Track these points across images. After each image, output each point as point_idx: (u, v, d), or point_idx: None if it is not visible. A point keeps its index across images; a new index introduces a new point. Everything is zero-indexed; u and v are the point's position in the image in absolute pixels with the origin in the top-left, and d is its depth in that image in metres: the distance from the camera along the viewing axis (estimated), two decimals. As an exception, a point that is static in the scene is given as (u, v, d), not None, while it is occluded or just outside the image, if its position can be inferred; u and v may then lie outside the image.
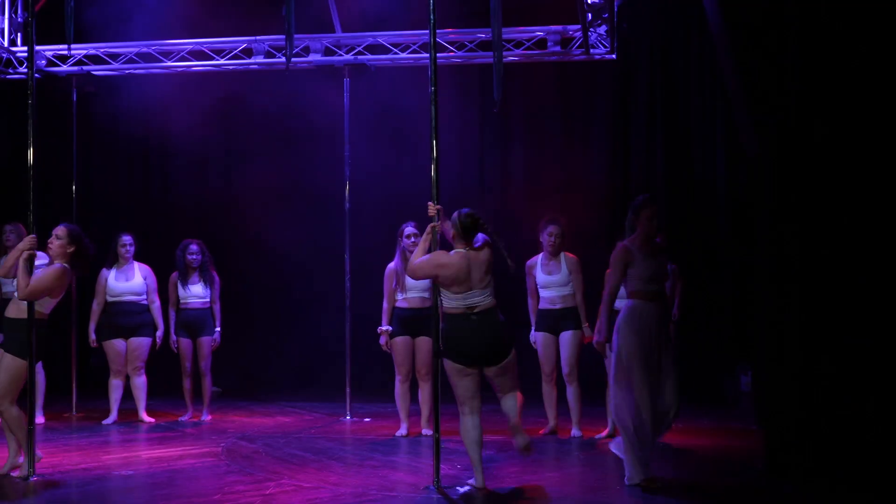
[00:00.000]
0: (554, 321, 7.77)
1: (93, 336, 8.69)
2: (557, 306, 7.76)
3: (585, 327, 7.74)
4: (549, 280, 7.75)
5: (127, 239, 8.74)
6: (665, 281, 6.28)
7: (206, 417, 8.85)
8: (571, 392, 7.79)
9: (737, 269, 10.04)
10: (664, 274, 6.24)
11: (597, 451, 7.22)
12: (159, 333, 8.81)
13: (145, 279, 8.73)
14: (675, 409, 6.10)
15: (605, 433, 7.71)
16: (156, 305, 8.78)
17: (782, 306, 6.23)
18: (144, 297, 8.72)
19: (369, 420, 8.84)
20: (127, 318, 8.63)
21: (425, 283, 7.00)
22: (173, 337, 8.81)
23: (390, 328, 7.82)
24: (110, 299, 8.66)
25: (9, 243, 8.46)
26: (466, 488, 5.94)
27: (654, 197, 6.65)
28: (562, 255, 7.78)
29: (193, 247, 8.81)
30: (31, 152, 6.46)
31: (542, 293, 7.81)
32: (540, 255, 7.85)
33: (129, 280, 8.66)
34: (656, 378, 6.03)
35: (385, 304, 7.82)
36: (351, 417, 8.94)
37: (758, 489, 6.01)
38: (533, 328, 7.89)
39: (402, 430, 7.87)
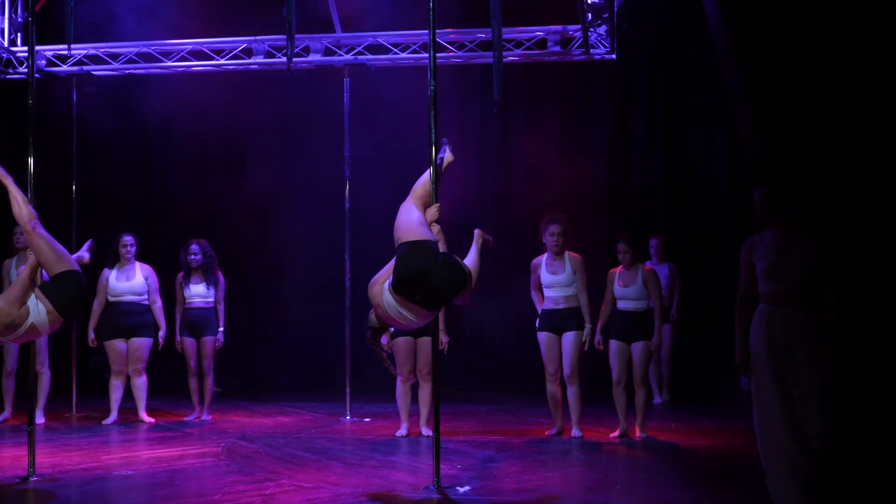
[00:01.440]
0: (557, 321, 7.75)
1: (91, 335, 8.70)
2: (561, 306, 7.73)
3: (588, 328, 7.72)
4: (553, 280, 7.74)
5: (128, 239, 8.74)
6: (800, 277, 5.13)
7: (207, 417, 8.86)
8: (572, 393, 7.78)
9: (736, 269, 10.02)
10: (799, 270, 5.12)
11: (597, 452, 7.22)
12: (161, 333, 8.81)
13: (146, 279, 8.72)
14: (821, 439, 5.07)
15: (616, 433, 7.73)
16: (157, 306, 8.78)
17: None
18: (145, 297, 8.71)
19: (369, 420, 8.84)
20: (127, 318, 8.63)
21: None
22: (178, 337, 8.83)
23: (392, 328, 7.81)
24: (111, 299, 8.66)
25: (19, 245, 8.48)
26: (467, 488, 5.95)
27: (769, 187, 5.39)
28: (566, 254, 7.77)
29: (193, 247, 8.82)
30: (31, 152, 6.46)
31: (547, 293, 7.80)
32: (545, 255, 7.84)
33: (130, 280, 8.66)
34: (796, 399, 5.09)
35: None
36: (351, 417, 8.94)
37: (758, 489, 6.00)
38: (538, 327, 7.88)
39: (402, 430, 7.87)
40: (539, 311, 7.88)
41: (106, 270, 8.72)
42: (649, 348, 7.64)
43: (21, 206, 6.06)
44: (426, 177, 5.89)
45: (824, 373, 5.08)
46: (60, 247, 6.05)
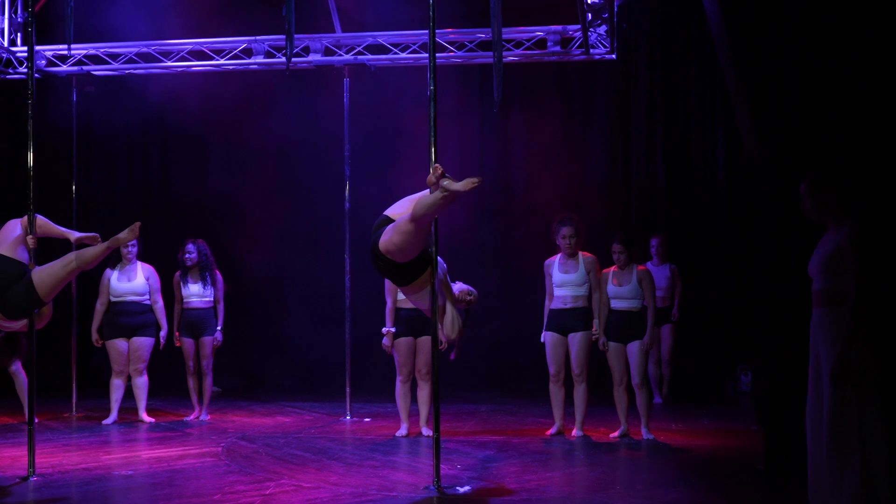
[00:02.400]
0: (564, 321, 7.75)
1: (95, 335, 8.70)
2: (569, 306, 7.73)
3: (596, 322, 7.72)
4: (566, 279, 7.74)
5: (129, 239, 8.74)
6: (818, 277, 4.79)
7: (206, 417, 8.86)
8: (579, 392, 7.79)
9: (736, 270, 10.06)
10: (818, 268, 4.79)
11: (598, 451, 7.22)
12: (163, 333, 8.81)
13: (148, 279, 8.73)
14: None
15: (617, 433, 7.73)
16: (159, 306, 8.79)
17: (782, 306, 6.23)
18: (147, 297, 8.72)
19: (369, 420, 8.84)
20: (129, 318, 8.64)
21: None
22: (175, 333, 8.85)
23: (394, 329, 7.81)
24: (113, 299, 8.66)
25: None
26: (467, 488, 5.94)
27: (810, 177, 5.00)
28: (579, 254, 7.78)
29: (189, 246, 8.84)
30: (30, 152, 6.46)
31: (557, 292, 7.79)
32: (558, 255, 7.85)
33: (132, 280, 8.67)
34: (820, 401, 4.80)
35: (389, 304, 7.78)
36: (351, 417, 8.94)
37: (758, 489, 6.01)
38: (544, 327, 7.87)
39: (403, 430, 7.87)
40: (546, 318, 7.88)
41: (108, 271, 8.73)
42: (644, 347, 7.64)
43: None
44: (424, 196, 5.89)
45: (836, 380, 4.64)
46: (9, 240, 6.30)
